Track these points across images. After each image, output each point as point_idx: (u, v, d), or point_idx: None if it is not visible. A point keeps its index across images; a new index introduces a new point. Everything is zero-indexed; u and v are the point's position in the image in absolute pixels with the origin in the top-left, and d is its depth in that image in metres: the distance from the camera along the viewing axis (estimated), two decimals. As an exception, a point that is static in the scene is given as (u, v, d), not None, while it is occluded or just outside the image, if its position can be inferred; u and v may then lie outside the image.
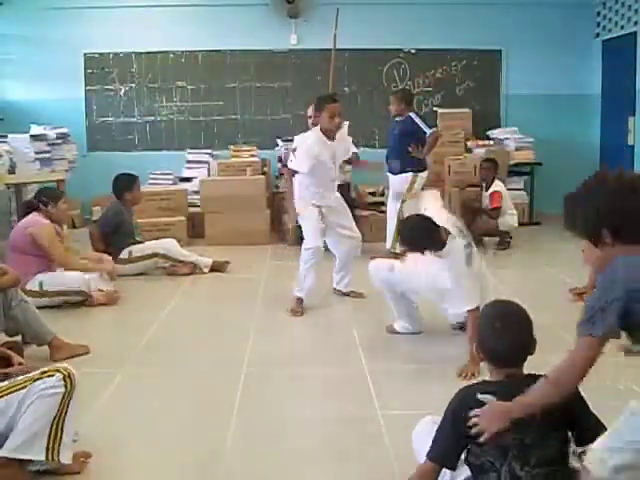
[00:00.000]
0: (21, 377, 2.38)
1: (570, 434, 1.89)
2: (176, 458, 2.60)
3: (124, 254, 5.65)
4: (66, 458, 2.35)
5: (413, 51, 8.46)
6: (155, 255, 5.70)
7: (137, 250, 5.69)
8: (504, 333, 1.91)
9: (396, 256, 6.16)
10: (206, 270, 5.74)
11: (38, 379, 2.32)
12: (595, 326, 1.68)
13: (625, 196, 1.74)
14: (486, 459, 1.83)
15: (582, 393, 1.92)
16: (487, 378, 2.01)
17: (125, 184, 5.85)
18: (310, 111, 6.54)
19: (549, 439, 1.82)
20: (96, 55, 8.33)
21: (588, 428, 1.88)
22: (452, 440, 1.89)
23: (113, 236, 5.66)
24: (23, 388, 2.31)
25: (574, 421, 1.87)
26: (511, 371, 1.92)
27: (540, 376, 1.88)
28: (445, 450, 1.91)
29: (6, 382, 2.38)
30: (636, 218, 1.73)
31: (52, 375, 2.32)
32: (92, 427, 2.75)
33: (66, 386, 2.32)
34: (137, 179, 6.00)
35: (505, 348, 1.91)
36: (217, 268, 5.79)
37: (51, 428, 2.29)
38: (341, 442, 2.68)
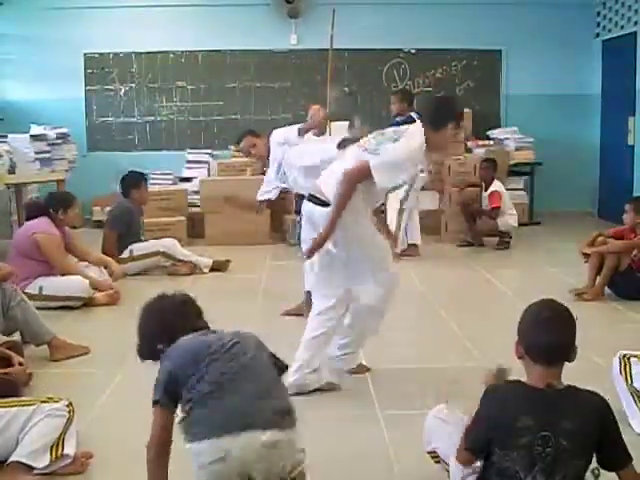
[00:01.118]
0: (29, 397, 2.60)
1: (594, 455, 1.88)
2: (176, 458, 2.60)
3: (125, 253, 5.65)
4: (70, 449, 2.43)
5: (413, 51, 8.46)
6: (157, 253, 5.70)
7: (138, 249, 5.68)
8: (549, 326, 1.89)
9: (395, 256, 6.20)
10: (206, 270, 5.74)
11: (45, 402, 2.46)
12: (156, 394, 2.00)
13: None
14: (511, 466, 1.81)
15: (615, 419, 1.90)
16: (522, 379, 1.95)
17: (133, 182, 5.86)
18: (311, 111, 6.55)
19: (577, 459, 1.82)
20: (96, 55, 8.33)
21: (613, 456, 1.88)
22: (485, 439, 1.88)
23: (123, 235, 5.67)
24: (31, 405, 2.44)
25: (602, 445, 1.86)
26: (549, 373, 1.88)
27: (580, 389, 1.89)
28: (479, 444, 1.91)
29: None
30: None
31: (57, 401, 2.48)
32: (92, 427, 2.75)
33: (69, 412, 2.47)
34: (145, 177, 6.05)
35: (547, 342, 1.88)
36: (218, 267, 5.79)
37: (55, 441, 2.40)
38: (341, 442, 2.68)
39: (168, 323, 2.18)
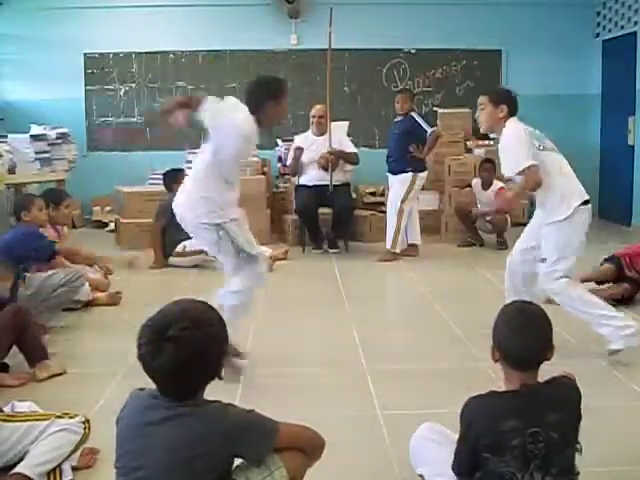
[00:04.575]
0: (43, 412, 2.52)
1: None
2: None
3: (180, 248, 5.91)
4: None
5: (413, 51, 8.46)
6: (200, 252, 5.85)
7: (191, 245, 5.88)
8: (521, 332, 1.89)
9: (395, 256, 6.21)
10: None
11: (61, 417, 2.41)
12: None
13: None
14: (507, 469, 1.81)
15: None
16: (496, 388, 1.97)
17: (174, 177, 6.06)
18: (314, 111, 6.56)
19: (569, 447, 1.84)
20: (96, 55, 8.33)
21: None
22: (471, 453, 1.89)
23: (168, 229, 5.84)
24: (46, 419, 2.38)
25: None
26: (525, 376, 1.89)
27: (555, 380, 1.90)
28: (467, 463, 1.91)
29: (28, 409, 2.55)
30: None
31: (73, 417, 2.43)
32: (92, 427, 2.75)
33: (85, 429, 2.43)
34: (182, 171, 6.21)
35: (520, 348, 1.88)
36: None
37: (57, 465, 2.32)
38: (341, 442, 2.68)
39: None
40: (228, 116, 3.39)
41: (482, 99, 3.64)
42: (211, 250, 3.64)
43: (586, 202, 3.54)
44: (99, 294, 4.76)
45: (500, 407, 1.86)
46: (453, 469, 1.94)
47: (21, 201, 4.81)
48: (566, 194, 3.49)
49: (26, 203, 4.61)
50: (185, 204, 3.50)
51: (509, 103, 3.59)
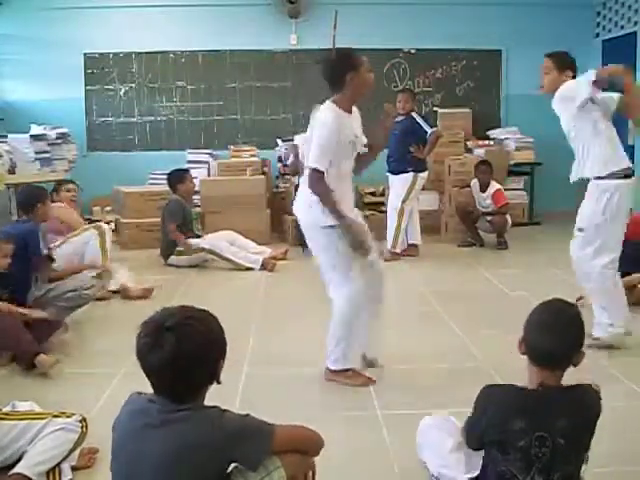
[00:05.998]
0: (41, 410, 2.54)
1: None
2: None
3: (181, 247, 5.97)
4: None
5: (413, 51, 8.46)
6: (202, 250, 5.96)
7: (193, 244, 5.98)
8: (550, 332, 1.86)
9: (396, 256, 6.21)
10: (256, 267, 5.85)
11: (58, 416, 2.41)
12: None
13: None
14: (508, 469, 1.81)
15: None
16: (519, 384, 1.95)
17: (177, 178, 6.22)
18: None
19: (573, 457, 1.83)
20: (96, 55, 8.32)
21: None
22: (480, 440, 1.91)
23: (179, 226, 5.97)
24: (42, 419, 2.39)
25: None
26: (546, 376, 1.86)
27: (577, 387, 1.88)
28: (474, 435, 1.93)
29: (27, 407, 2.56)
30: None
31: (70, 417, 2.43)
32: (92, 427, 2.75)
33: (82, 428, 2.44)
34: (187, 172, 6.40)
35: (544, 345, 1.86)
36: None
37: (56, 465, 2.33)
38: (341, 442, 2.68)
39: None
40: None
41: (547, 62, 3.72)
42: (327, 256, 3.30)
43: (627, 176, 3.67)
44: (131, 286, 4.99)
45: (513, 405, 1.85)
46: (462, 435, 1.97)
47: (31, 195, 4.72)
48: (606, 156, 3.73)
49: (38, 197, 4.49)
50: (301, 207, 3.29)
51: (573, 67, 3.73)
